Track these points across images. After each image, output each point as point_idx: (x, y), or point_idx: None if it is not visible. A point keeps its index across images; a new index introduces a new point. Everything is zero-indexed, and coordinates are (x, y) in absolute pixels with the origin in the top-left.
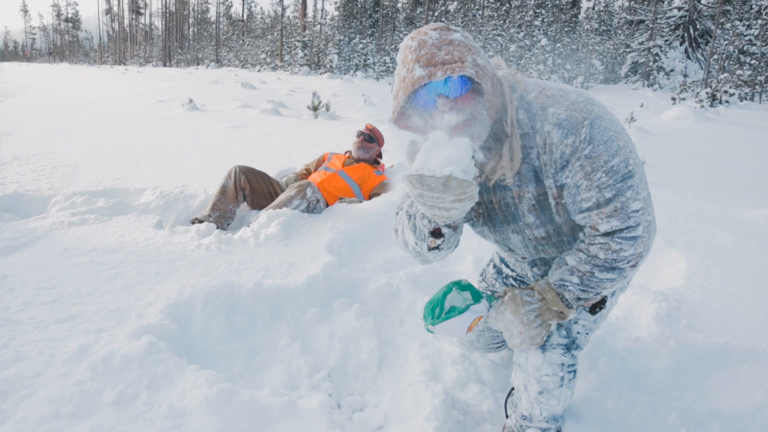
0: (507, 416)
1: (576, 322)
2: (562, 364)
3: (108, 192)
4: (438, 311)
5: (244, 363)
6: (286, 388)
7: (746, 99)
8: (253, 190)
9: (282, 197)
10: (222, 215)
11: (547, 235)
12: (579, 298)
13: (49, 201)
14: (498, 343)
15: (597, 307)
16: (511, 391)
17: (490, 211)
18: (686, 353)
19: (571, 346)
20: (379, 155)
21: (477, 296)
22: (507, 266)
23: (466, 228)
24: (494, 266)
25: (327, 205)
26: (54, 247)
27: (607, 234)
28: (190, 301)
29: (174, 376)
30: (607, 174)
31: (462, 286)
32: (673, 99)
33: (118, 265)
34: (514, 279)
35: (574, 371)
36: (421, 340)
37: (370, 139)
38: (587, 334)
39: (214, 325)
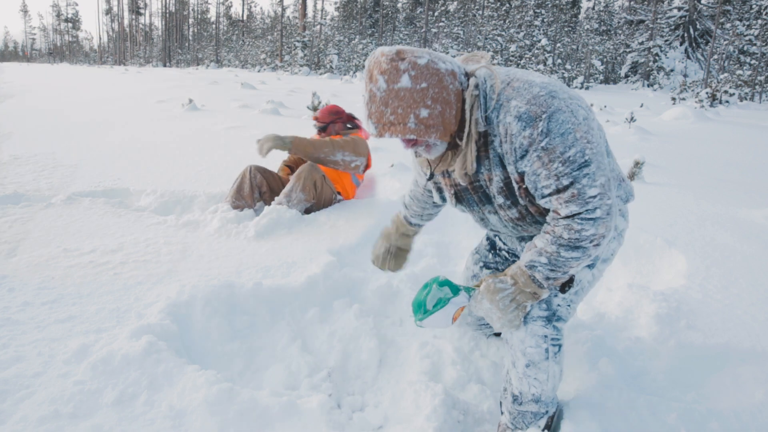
0: (501, 413)
1: (556, 295)
2: (545, 336)
3: (108, 192)
4: (423, 308)
5: (244, 363)
6: (286, 388)
7: (746, 99)
8: (270, 188)
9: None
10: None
11: (521, 215)
12: (548, 278)
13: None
14: (484, 321)
15: (566, 286)
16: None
17: (465, 193)
18: (686, 353)
19: (551, 318)
20: (347, 121)
21: (455, 289)
22: (500, 239)
23: (466, 234)
24: (488, 239)
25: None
26: (54, 248)
27: (567, 217)
28: (190, 301)
29: (174, 376)
30: (563, 164)
31: (441, 282)
32: (673, 99)
33: (118, 265)
34: (507, 252)
35: (559, 345)
36: (421, 340)
37: (323, 128)
38: (569, 306)
39: (214, 325)
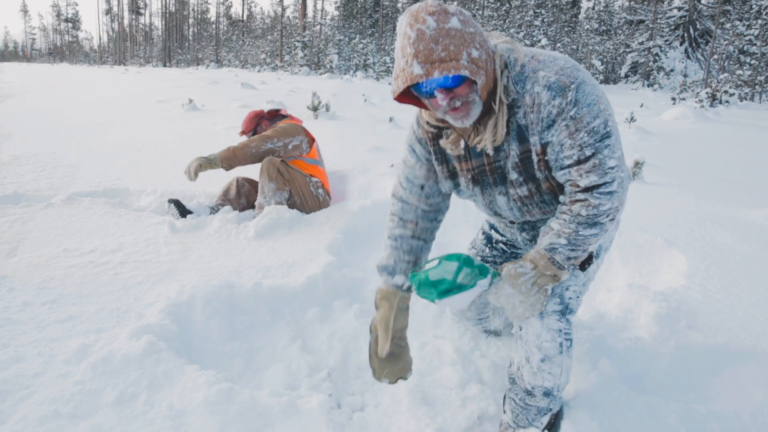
0: (504, 412)
1: (567, 288)
2: (560, 330)
3: (108, 192)
4: (448, 284)
5: (244, 363)
6: (286, 388)
7: (746, 99)
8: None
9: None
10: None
11: (530, 194)
12: (569, 258)
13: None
14: (485, 314)
15: (586, 264)
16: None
17: (482, 175)
18: (686, 353)
19: (565, 311)
20: (272, 117)
21: (484, 270)
22: (497, 232)
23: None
24: (483, 233)
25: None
26: (54, 248)
27: (586, 189)
28: (190, 301)
29: (174, 376)
30: (588, 134)
31: (467, 261)
32: (673, 99)
33: (118, 265)
34: (504, 244)
35: (570, 339)
36: (421, 340)
37: (253, 134)
38: (578, 297)
39: (214, 325)
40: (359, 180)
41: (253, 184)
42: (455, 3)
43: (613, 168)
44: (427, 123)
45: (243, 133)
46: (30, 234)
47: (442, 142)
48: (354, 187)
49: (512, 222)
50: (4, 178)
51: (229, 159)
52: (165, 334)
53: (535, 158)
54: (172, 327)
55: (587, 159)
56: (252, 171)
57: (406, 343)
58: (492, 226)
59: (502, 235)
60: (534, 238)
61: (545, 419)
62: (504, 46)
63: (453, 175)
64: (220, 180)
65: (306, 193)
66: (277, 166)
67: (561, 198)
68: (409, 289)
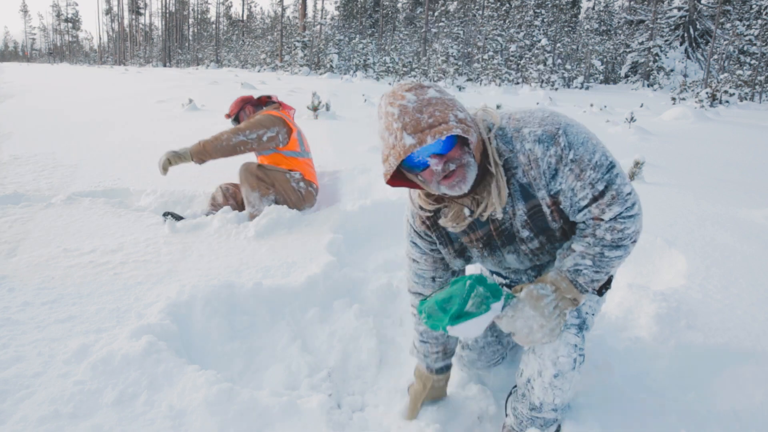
0: (506, 415)
1: (584, 304)
2: (575, 345)
3: (108, 192)
4: (457, 310)
5: (244, 363)
6: (286, 388)
7: (746, 99)
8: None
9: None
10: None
11: (541, 246)
12: (593, 280)
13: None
14: (496, 358)
15: (604, 288)
16: (511, 391)
17: (490, 239)
18: (686, 353)
19: (582, 326)
20: (257, 104)
21: (497, 292)
22: (500, 276)
23: None
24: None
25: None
26: (54, 248)
27: (611, 220)
28: (190, 301)
29: (174, 376)
30: (594, 170)
31: (481, 280)
32: (673, 99)
33: (118, 265)
34: (508, 287)
35: (584, 355)
36: None
37: (236, 119)
38: (593, 315)
39: (214, 325)
40: (359, 180)
41: (237, 187)
42: (455, 3)
43: (630, 194)
44: (421, 208)
45: (228, 116)
46: (30, 234)
47: (442, 222)
48: (354, 187)
49: (517, 269)
50: (4, 178)
51: (200, 153)
52: (165, 334)
53: (547, 211)
54: (172, 327)
55: (603, 194)
56: (230, 173)
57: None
58: (493, 273)
59: (505, 278)
60: (539, 274)
61: (552, 429)
62: (479, 112)
63: (461, 252)
64: (221, 180)
65: (287, 190)
66: (254, 173)
67: (581, 226)
68: (441, 370)
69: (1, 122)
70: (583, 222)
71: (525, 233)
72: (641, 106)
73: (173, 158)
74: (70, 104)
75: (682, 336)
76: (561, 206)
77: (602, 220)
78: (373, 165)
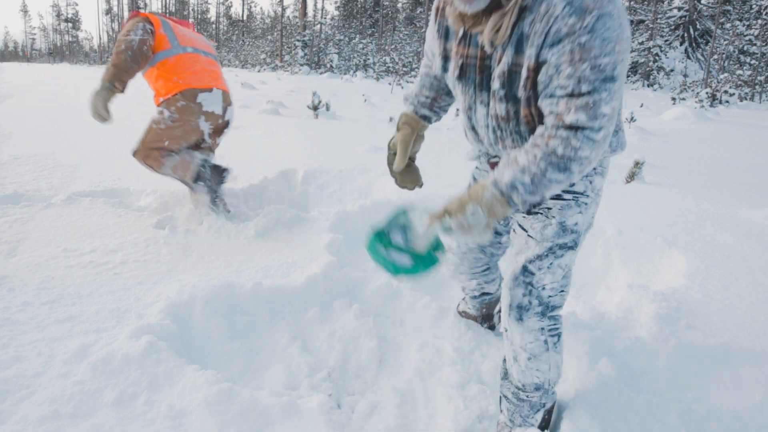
0: (501, 411)
1: (543, 288)
2: (542, 329)
3: (108, 192)
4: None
5: (244, 363)
6: (286, 388)
7: (746, 99)
8: None
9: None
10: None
11: (507, 116)
12: (525, 201)
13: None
14: (480, 266)
15: (533, 207)
16: (501, 383)
17: (471, 69)
18: (686, 353)
19: (546, 311)
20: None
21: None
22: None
23: None
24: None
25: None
26: (54, 248)
27: (570, 127)
28: (190, 301)
29: (174, 376)
30: (592, 69)
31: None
32: (673, 99)
33: (118, 265)
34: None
35: (558, 333)
36: (421, 340)
37: None
38: (561, 292)
39: (214, 325)
40: (359, 180)
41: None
42: None
43: (605, 115)
44: None
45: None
46: (30, 234)
47: (447, 10)
48: (354, 187)
49: (486, 147)
50: (4, 178)
51: (113, 77)
52: (165, 334)
53: (523, 74)
54: (172, 327)
55: (581, 95)
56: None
57: (416, 164)
58: (474, 177)
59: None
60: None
61: (539, 416)
62: None
63: (445, 57)
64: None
65: (173, 139)
66: (154, 156)
67: (538, 130)
68: (425, 118)
69: (1, 122)
70: (542, 123)
71: (497, 85)
72: (641, 106)
73: (103, 96)
74: (71, 104)
75: (682, 336)
76: (538, 78)
77: (562, 121)
78: (373, 165)
